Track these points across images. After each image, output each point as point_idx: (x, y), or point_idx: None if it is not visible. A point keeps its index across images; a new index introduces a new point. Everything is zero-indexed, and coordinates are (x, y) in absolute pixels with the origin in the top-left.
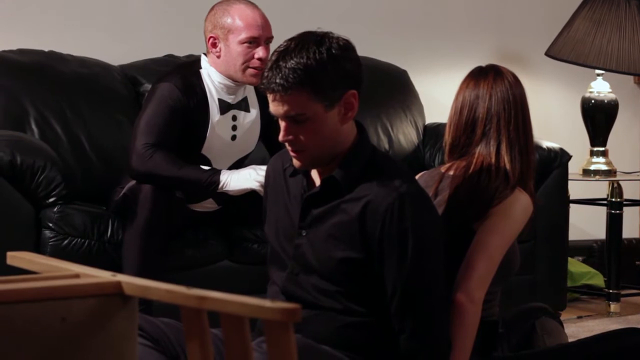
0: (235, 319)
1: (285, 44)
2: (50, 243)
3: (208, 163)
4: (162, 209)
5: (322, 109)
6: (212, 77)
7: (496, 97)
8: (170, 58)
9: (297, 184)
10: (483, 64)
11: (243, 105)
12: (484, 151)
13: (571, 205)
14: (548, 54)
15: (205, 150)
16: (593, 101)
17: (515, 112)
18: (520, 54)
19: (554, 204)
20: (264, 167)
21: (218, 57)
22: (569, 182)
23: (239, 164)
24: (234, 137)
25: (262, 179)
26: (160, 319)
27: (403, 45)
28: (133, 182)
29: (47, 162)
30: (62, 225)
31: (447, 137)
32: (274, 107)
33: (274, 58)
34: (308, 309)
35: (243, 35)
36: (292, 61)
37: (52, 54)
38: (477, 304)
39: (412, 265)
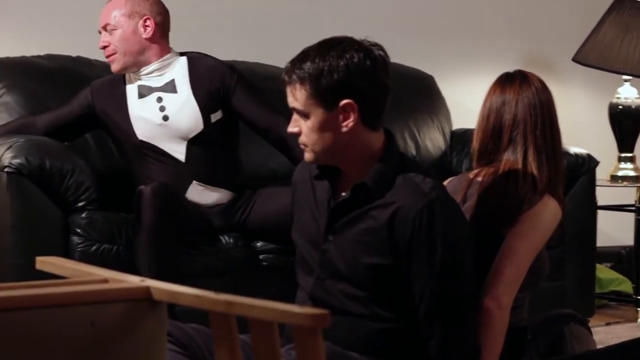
0: (264, 325)
1: (318, 44)
2: (78, 249)
3: (157, 150)
4: (165, 211)
5: (321, 110)
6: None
7: (522, 103)
8: None
9: (323, 190)
10: (510, 69)
11: (169, 88)
12: (511, 157)
13: (599, 211)
14: (575, 59)
15: (142, 136)
16: (620, 107)
17: (542, 118)
18: (547, 59)
19: (582, 210)
20: None
21: None
22: (597, 188)
23: (197, 143)
24: (165, 118)
25: None
26: (188, 325)
27: (430, 50)
28: (139, 187)
29: (75, 166)
30: (90, 231)
31: (475, 144)
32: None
33: (297, 55)
34: (335, 314)
35: None
36: (307, 62)
37: (79, 59)
38: (505, 309)
39: (441, 270)
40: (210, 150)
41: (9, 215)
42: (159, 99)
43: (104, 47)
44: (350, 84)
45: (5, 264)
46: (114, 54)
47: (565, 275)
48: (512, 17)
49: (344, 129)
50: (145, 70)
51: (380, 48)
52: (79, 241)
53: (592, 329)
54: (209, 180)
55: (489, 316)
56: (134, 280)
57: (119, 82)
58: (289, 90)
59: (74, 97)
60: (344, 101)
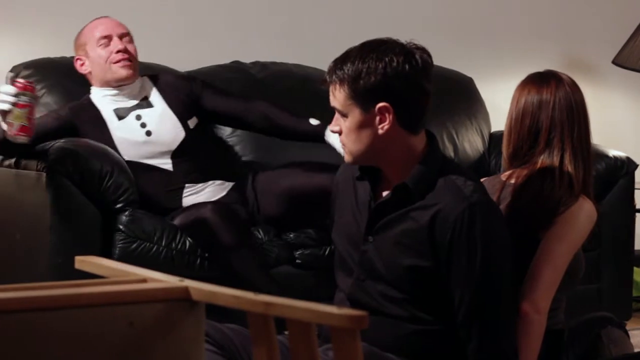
0: (303, 325)
1: (360, 45)
2: (119, 245)
3: (144, 167)
4: (234, 224)
5: (358, 111)
6: (99, 95)
7: (560, 105)
8: (236, 64)
9: (365, 191)
10: None
11: (145, 104)
12: (547, 160)
13: (637, 214)
14: (615, 62)
15: (128, 156)
16: None
17: (578, 120)
18: (587, 62)
19: (620, 213)
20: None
21: (90, 73)
22: (636, 191)
23: (182, 152)
24: (148, 133)
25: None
26: (226, 325)
27: (469, 52)
28: (194, 217)
29: (114, 167)
30: (133, 228)
31: (507, 145)
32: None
33: (340, 55)
34: (374, 316)
35: (96, 37)
36: (347, 63)
37: None
38: (542, 313)
39: (480, 274)
40: (195, 156)
41: (49, 215)
42: (138, 117)
43: (126, 51)
44: (386, 87)
45: (45, 264)
46: (132, 61)
47: (603, 278)
48: (551, 19)
49: (381, 131)
50: (132, 86)
51: (425, 51)
52: (120, 237)
53: (629, 332)
54: (200, 178)
55: (527, 320)
56: (172, 280)
57: (92, 107)
58: (330, 89)
59: (54, 111)
60: (380, 104)
